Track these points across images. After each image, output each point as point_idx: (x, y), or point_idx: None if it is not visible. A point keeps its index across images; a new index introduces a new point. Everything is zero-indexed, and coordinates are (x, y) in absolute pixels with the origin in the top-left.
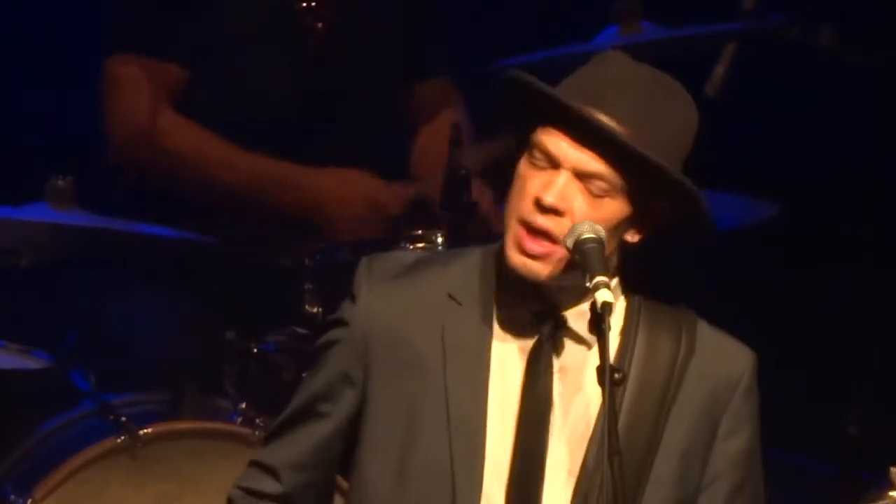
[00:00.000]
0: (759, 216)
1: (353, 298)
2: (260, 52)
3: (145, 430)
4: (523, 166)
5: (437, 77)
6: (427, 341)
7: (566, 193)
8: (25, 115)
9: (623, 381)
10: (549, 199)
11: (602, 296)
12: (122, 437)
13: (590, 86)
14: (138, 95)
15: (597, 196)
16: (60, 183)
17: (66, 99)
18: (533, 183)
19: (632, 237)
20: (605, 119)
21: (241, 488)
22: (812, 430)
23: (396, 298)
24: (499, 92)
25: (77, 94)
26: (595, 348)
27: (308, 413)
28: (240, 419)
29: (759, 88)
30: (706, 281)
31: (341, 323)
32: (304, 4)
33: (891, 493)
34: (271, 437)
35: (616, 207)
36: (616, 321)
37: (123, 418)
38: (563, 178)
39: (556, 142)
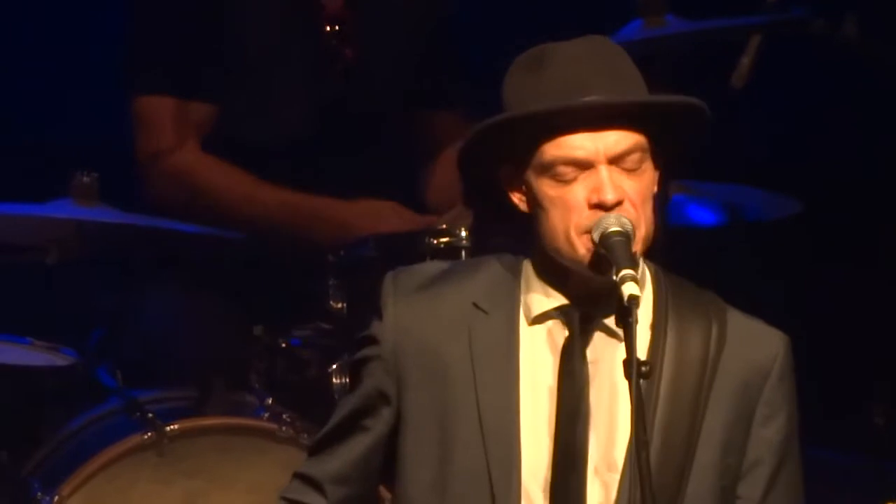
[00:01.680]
0: (783, 212)
1: (379, 315)
2: (286, 78)
3: (172, 427)
4: (548, 189)
5: (452, 108)
6: (455, 351)
7: (616, 183)
8: (50, 111)
9: (650, 373)
10: (612, 196)
11: (629, 289)
12: (149, 434)
13: (562, 80)
14: (168, 135)
15: (635, 170)
16: (85, 179)
17: (90, 95)
18: (574, 195)
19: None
20: (601, 97)
21: (286, 499)
22: (838, 421)
23: (422, 311)
24: (487, 138)
25: (102, 90)
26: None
27: (349, 428)
28: (266, 414)
29: (783, 82)
30: (731, 275)
31: (371, 340)
32: (330, 29)
33: None
34: (314, 450)
35: (650, 169)
36: (645, 314)
37: (150, 415)
38: (604, 172)
39: (579, 147)
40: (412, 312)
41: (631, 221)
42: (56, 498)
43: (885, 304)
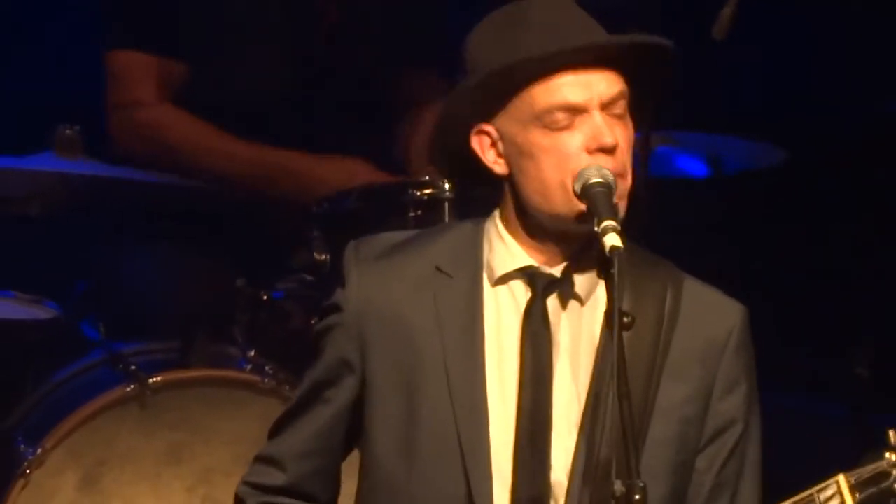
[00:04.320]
0: (768, 161)
1: (342, 283)
2: (267, 36)
3: (155, 379)
4: (541, 138)
5: (431, 67)
6: (420, 315)
7: (611, 128)
8: (31, 65)
9: (632, 324)
10: (611, 139)
11: (610, 240)
12: (132, 386)
13: (546, 31)
14: (134, 85)
15: (622, 116)
16: (68, 132)
17: (72, 49)
18: (569, 142)
19: None
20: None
21: (246, 484)
22: (821, 372)
23: (386, 277)
24: (478, 90)
25: (84, 44)
26: (589, 303)
27: (310, 401)
28: (249, 367)
29: (765, 32)
30: (714, 224)
31: (334, 308)
32: None
33: (888, 455)
34: (275, 431)
35: (630, 120)
36: (603, 284)
37: (133, 367)
38: (597, 117)
39: (570, 91)
40: (375, 279)
41: (616, 171)
42: (39, 450)
43: (870, 256)
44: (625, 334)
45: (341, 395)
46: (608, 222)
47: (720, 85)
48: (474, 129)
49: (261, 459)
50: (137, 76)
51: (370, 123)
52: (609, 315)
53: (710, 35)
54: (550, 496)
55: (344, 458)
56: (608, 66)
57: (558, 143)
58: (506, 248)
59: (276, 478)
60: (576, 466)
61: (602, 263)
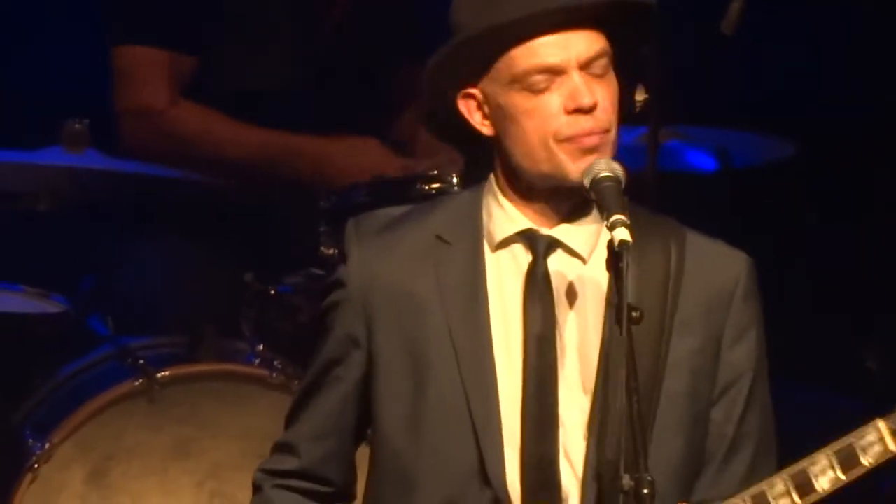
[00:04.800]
0: (777, 154)
1: (344, 259)
2: (276, 28)
3: (163, 373)
4: (520, 101)
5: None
6: (422, 285)
7: (590, 89)
8: (39, 59)
9: (641, 319)
10: (588, 99)
11: (619, 234)
12: (140, 381)
13: None
14: (147, 85)
15: (603, 75)
16: (76, 126)
17: (80, 43)
18: (549, 103)
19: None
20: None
21: (263, 471)
22: (832, 364)
23: (387, 250)
24: (454, 56)
25: (92, 38)
26: (592, 260)
27: (320, 382)
28: (258, 361)
29: (775, 26)
30: (726, 218)
31: (337, 285)
32: None
33: (878, 422)
34: (289, 417)
35: (614, 78)
36: (603, 245)
37: (141, 361)
38: (576, 76)
39: (549, 53)
40: (377, 252)
41: (597, 129)
42: (47, 445)
43: (880, 249)
44: (633, 291)
45: (350, 372)
46: (617, 216)
47: (729, 79)
48: (460, 94)
49: (277, 447)
50: (146, 73)
51: (378, 115)
52: (618, 310)
53: (718, 30)
54: (560, 454)
55: (357, 444)
56: (586, 25)
57: (539, 105)
58: (503, 213)
59: (290, 463)
60: (591, 425)
61: (611, 257)
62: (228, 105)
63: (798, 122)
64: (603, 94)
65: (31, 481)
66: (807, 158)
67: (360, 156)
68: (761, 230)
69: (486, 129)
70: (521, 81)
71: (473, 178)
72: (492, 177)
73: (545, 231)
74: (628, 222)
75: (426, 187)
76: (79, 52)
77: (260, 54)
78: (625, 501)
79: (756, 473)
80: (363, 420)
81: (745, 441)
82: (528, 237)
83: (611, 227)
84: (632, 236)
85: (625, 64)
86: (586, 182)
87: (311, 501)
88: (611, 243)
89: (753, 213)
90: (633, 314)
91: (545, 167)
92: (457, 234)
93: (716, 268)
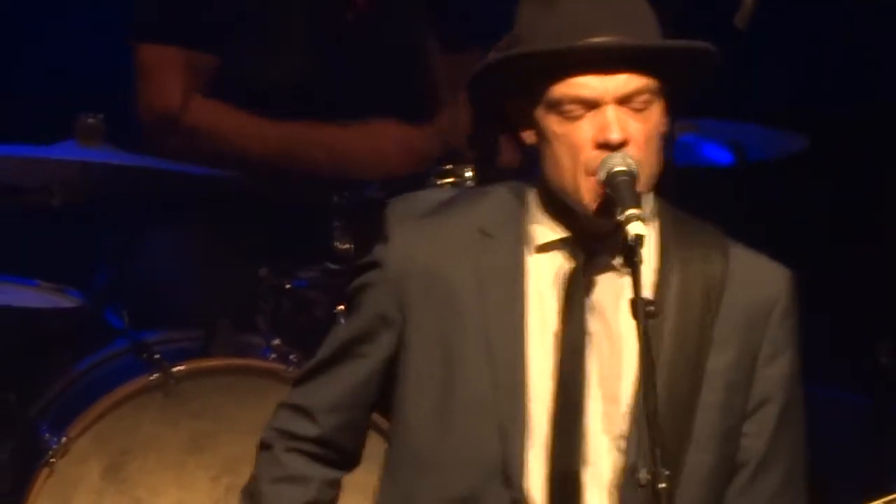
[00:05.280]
0: (790, 149)
1: (384, 240)
2: (297, 24)
3: (179, 368)
4: (554, 125)
5: (461, 52)
6: (461, 277)
7: (622, 123)
8: (55, 53)
9: (656, 314)
10: (617, 136)
11: (634, 228)
12: (156, 375)
13: (573, 19)
14: (168, 83)
15: (642, 110)
16: (90, 121)
17: (95, 37)
18: (580, 133)
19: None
20: (613, 39)
21: (275, 430)
22: (845, 361)
23: (428, 236)
24: (494, 76)
25: (107, 32)
26: (629, 277)
27: (344, 355)
28: (273, 355)
29: (788, 19)
30: (736, 213)
31: (374, 265)
32: None
33: None
34: (303, 379)
35: (657, 109)
36: (650, 254)
37: (157, 356)
38: (610, 111)
39: (586, 86)
40: (417, 237)
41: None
42: (63, 439)
43: (893, 244)
44: (673, 305)
45: (378, 351)
46: (631, 211)
47: (743, 73)
48: (508, 97)
49: (289, 407)
50: (165, 72)
51: (398, 109)
52: (634, 304)
53: (732, 23)
54: (588, 464)
55: (371, 414)
56: (627, 63)
57: (570, 132)
58: (546, 218)
59: (306, 428)
60: (619, 436)
61: (626, 251)
62: (248, 102)
63: (811, 115)
64: (639, 130)
65: (48, 476)
66: (820, 152)
67: (384, 137)
68: (774, 224)
69: (528, 138)
70: (556, 107)
71: (487, 176)
72: (539, 180)
73: (586, 240)
74: (642, 216)
75: (439, 182)
76: (93, 46)
77: (279, 50)
78: (642, 496)
79: (784, 498)
80: (382, 396)
81: (776, 461)
82: (568, 245)
83: (625, 222)
84: (662, 240)
85: (675, 98)
86: (601, 176)
87: (319, 465)
88: (625, 237)
89: (768, 207)
90: (649, 308)
91: (570, 197)
92: (501, 230)
93: (757, 282)
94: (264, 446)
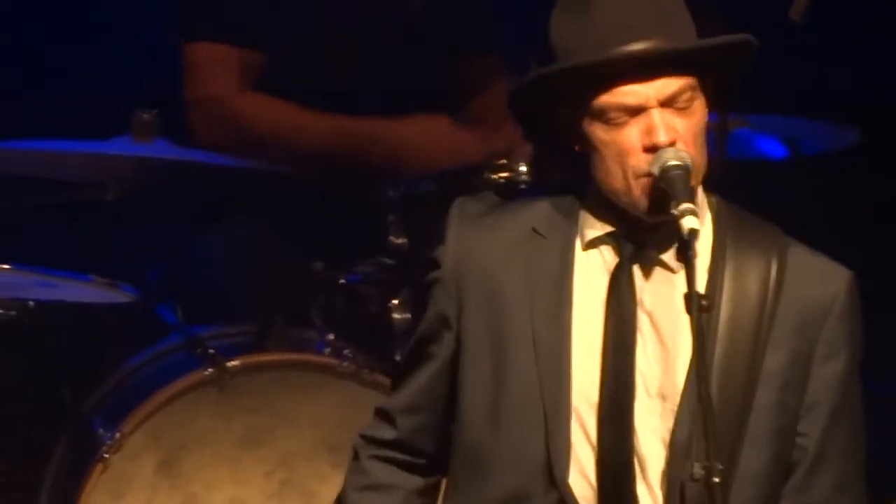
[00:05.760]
0: (844, 143)
1: (443, 240)
2: (345, 21)
3: (233, 363)
4: (600, 133)
5: (492, 52)
6: (512, 276)
7: (668, 124)
8: (110, 49)
9: (710, 308)
10: (664, 138)
11: (688, 223)
12: (210, 370)
13: (608, 26)
14: (217, 79)
15: (685, 108)
16: (145, 116)
17: (150, 33)
18: (627, 138)
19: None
20: (650, 44)
21: (361, 436)
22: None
23: (483, 235)
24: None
25: (162, 28)
26: (680, 272)
27: (417, 355)
28: (327, 350)
29: (841, 12)
30: (790, 207)
31: (433, 264)
32: None
33: None
34: (394, 383)
35: (700, 104)
36: (704, 251)
37: (211, 351)
38: (655, 114)
39: (629, 93)
40: (473, 237)
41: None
42: (117, 435)
43: None
44: (726, 302)
45: (442, 350)
46: (686, 205)
47: (797, 66)
48: (555, 106)
49: (377, 412)
50: (217, 69)
51: (448, 109)
52: (687, 298)
53: (786, 17)
54: (637, 461)
55: (453, 419)
56: (667, 65)
57: (617, 139)
58: (596, 213)
59: (386, 432)
60: (667, 433)
61: (680, 246)
62: (300, 101)
63: (863, 109)
64: (685, 127)
65: (102, 471)
66: (872, 146)
67: (433, 133)
68: (828, 217)
69: (575, 143)
70: (601, 116)
71: (542, 169)
72: (591, 183)
73: (635, 235)
74: (696, 210)
75: (494, 176)
76: (149, 41)
77: (329, 50)
78: (695, 490)
79: (840, 498)
80: (453, 396)
81: (830, 461)
82: (616, 239)
83: (679, 216)
84: (701, 223)
85: (716, 91)
86: (655, 171)
87: (404, 472)
88: (680, 231)
89: (821, 201)
90: (703, 303)
91: (623, 199)
92: (552, 229)
93: (815, 282)
94: (353, 454)
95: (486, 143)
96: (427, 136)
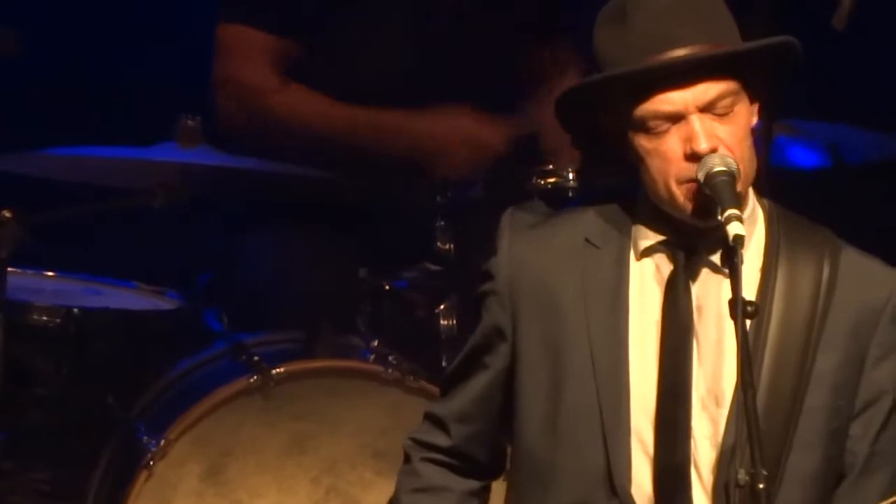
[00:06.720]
0: (886, 151)
1: (496, 251)
2: (392, 15)
3: (278, 370)
4: (643, 142)
5: (562, 38)
6: (567, 286)
7: (709, 131)
8: (154, 55)
9: (756, 314)
10: (705, 145)
11: (734, 229)
12: (255, 377)
13: (647, 34)
14: (248, 62)
15: (726, 113)
16: (189, 123)
17: (195, 39)
18: (669, 146)
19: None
20: (686, 51)
21: (412, 440)
22: None
23: (536, 246)
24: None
25: (207, 34)
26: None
27: (471, 365)
28: (373, 357)
29: (886, 20)
30: (839, 217)
31: (487, 275)
32: None
33: None
34: (443, 389)
35: (744, 108)
36: (756, 254)
37: (256, 358)
38: (695, 121)
39: (666, 101)
40: (526, 247)
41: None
42: (163, 441)
43: None
44: (778, 306)
45: (497, 361)
46: (731, 211)
47: (841, 74)
48: (602, 115)
49: (428, 417)
50: (248, 52)
51: (498, 102)
52: (732, 304)
53: (830, 24)
54: (692, 468)
55: (505, 425)
56: (709, 71)
57: (660, 147)
58: (648, 222)
59: (439, 438)
60: (723, 439)
61: (726, 252)
62: (338, 95)
63: None
64: (727, 133)
65: (147, 478)
66: None
67: (453, 122)
68: (872, 226)
69: (623, 152)
70: (642, 125)
71: (590, 175)
72: (641, 189)
73: (686, 241)
74: (742, 216)
75: (542, 182)
76: (193, 48)
77: (374, 43)
78: (741, 496)
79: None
80: (508, 405)
81: (883, 463)
82: (670, 247)
83: (725, 222)
84: (752, 228)
85: (760, 95)
86: (700, 177)
87: (456, 476)
88: (726, 237)
89: (865, 210)
90: (749, 309)
91: (668, 206)
92: (606, 238)
93: (868, 285)
94: (405, 457)
95: (508, 128)
96: (446, 126)
